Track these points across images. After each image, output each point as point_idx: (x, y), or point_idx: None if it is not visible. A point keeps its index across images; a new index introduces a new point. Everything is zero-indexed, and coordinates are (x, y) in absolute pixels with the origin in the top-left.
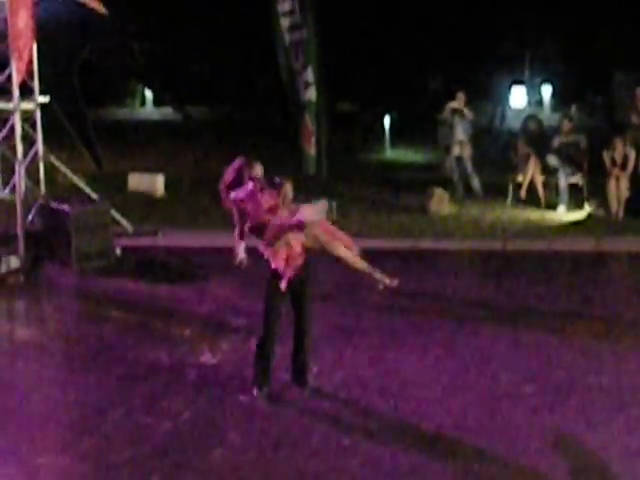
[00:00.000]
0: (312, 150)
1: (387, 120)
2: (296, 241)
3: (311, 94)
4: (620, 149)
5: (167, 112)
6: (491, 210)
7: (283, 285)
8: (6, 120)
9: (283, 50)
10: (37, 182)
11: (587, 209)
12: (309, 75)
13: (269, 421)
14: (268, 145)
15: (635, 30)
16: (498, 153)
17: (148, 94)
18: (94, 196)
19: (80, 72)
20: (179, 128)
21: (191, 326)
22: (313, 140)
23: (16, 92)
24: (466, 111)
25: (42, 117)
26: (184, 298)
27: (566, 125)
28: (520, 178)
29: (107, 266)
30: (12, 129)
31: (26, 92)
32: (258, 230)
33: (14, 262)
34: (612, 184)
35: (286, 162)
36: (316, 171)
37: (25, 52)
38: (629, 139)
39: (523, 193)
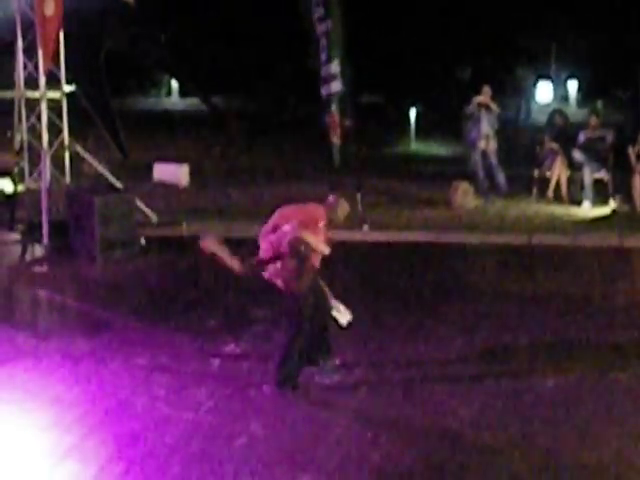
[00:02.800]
0: (338, 141)
1: (413, 113)
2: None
3: (337, 86)
4: None
5: (193, 102)
6: (515, 204)
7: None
8: (33, 109)
9: (314, 41)
10: (62, 171)
11: (612, 205)
12: (335, 67)
13: (291, 412)
14: (294, 136)
15: None
16: (523, 148)
17: (174, 84)
18: (119, 185)
19: (106, 61)
20: (205, 118)
21: (215, 317)
22: (339, 131)
23: (42, 80)
24: (492, 105)
25: (68, 106)
26: (208, 289)
27: (593, 120)
28: (548, 174)
29: (131, 255)
30: (38, 118)
31: (53, 81)
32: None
33: (39, 250)
34: (637, 180)
35: (312, 153)
36: (342, 163)
37: (52, 40)
38: None
39: (550, 192)
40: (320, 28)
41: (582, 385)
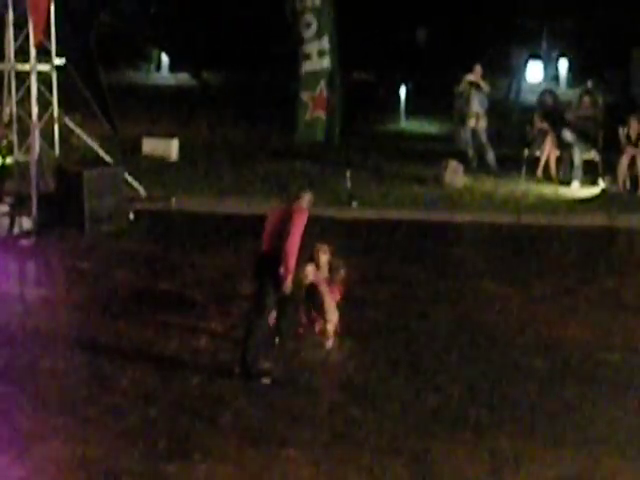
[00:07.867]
0: (324, 117)
1: (403, 90)
2: None
3: (325, 62)
4: (635, 126)
5: (183, 77)
6: (505, 184)
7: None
8: (23, 81)
9: (293, 18)
10: (52, 144)
11: (601, 185)
12: (324, 43)
13: (278, 389)
14: (282, 112)
15: None
16: (513, 127)
17: (164, 59)
18: (108, 159)
19: (97, 35)
20: (195, 94)
21: (202, 291)
22: (327, 107)
23: (33, 53)
24: (482, 84)
25: (58, 79)
26: (196, 263)
27: (586, 100)
28: (537, 153)
29: (119, 230)
30: (28, 90)
31: (43, 54)
32: None
33: (27, 223)
34: (624, 160)
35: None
36: (329, 139)
37: (42, 13)
38: None
39: (539, 171)
40: (302, 5)
41: (570, 364)
